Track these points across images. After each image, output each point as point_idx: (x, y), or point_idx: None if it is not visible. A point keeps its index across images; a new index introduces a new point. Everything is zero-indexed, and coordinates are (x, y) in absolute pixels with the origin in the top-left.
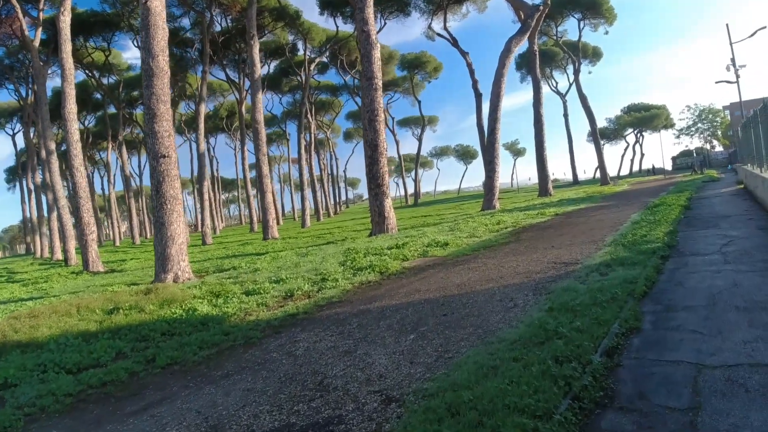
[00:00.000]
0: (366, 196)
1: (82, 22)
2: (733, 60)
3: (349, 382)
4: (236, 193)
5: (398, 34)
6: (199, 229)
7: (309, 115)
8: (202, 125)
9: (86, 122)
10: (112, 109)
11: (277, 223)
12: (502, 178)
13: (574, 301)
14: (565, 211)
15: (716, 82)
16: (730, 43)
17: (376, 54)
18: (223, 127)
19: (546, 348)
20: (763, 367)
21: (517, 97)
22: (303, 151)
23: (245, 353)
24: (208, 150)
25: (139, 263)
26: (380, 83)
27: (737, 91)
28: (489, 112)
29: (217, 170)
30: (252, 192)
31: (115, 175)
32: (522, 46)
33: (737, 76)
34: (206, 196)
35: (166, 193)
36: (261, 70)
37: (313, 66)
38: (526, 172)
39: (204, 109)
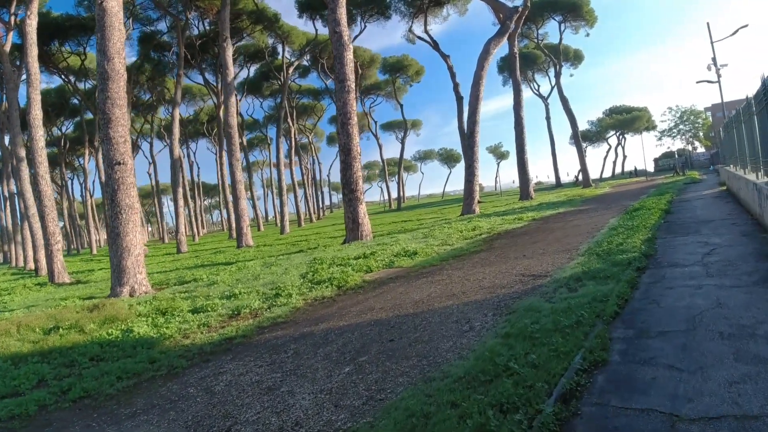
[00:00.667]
0: None
1: (57, 26)
2: (714, 59)
3: (258, 431)
4: (219, 199)
5: (381, 39)
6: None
7: (290, 120)
8: (176, 130)
9: (64, 128)
10: (90, 115)
11: (259, 229)
12: (486, 182)
13: (534, 325)
14: (543, 215)
15: (697, 82)
16: (711, 42)
17: (349, 56)
18: (204, 132)
19: (492, 389)
20: (752, 420)
21: (500, 101)
22: (282, 155)
23: (163, 387)
24: (188, 155)
25: (107, 273)
26: (353, 86)
27: (719, 90)
28: (468, 115)
29: (198, 176)
30: (232, 198)
31: (94, 181)
32: (502, 48)
33: (718, 76)
34: (181, 203)
35: (121, 201)
36: (241, 74)
37: (291, 69)
38: (509, 175)
39: (179, 113)
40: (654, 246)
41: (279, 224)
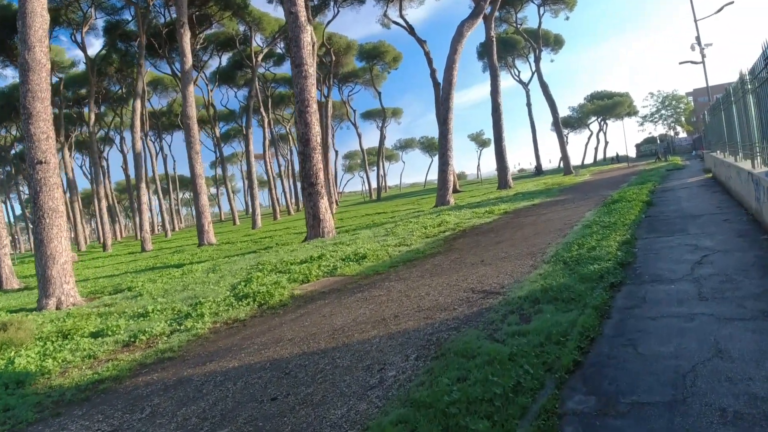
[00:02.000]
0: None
1: (15, 17)
2: (698, 38)
3: None
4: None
5: (362, 28)
6: (157, 230)
7: (263, 110)
8: (137, 123)
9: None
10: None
11: (234, 223)
12: (468, 170)
13: (455, 393)
14: (516, 207)
15: (680, 63)
16: (695, 20)
17: (306, 38)
18: (179, 124)
19: None
20: None
21: (482, 89)
22: (251, 147)
23: None
24: (162, 148)
25: None
26: (312, 70)
27: (703, 71)
28: (440, 101)
29: (174, 169)
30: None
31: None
32: (476, 31)
33: (703, 56)
34: (144, 199)
35: (44, 205)
36: (213, 63)
37: (261, 57)
38: (492, 163)
39: (140, 105)
40: (632, 250)
41: (252, 218)
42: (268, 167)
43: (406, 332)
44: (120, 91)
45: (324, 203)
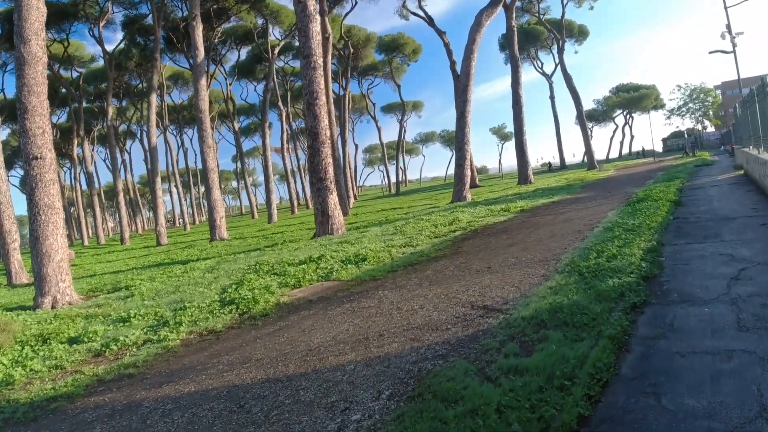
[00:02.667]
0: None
1: None
2: (728, 26)
3: None
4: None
5: (383, 22)
6: (177, 224)
7: (281, 103)
8: (152, 117)
9: (57, 118)
10: (85, 103)
11: (252, 217)
12: (490, 164)
13: None
14: (534, 205)
15: (710, 53)
16: (725, 7)
17: (315, 27)
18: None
19: None
20: None
21: (505, 82)
22: (268, 141)
23: None
24: (183, 142)
25: (78, 270)
26: (321, 61)
27: (734, 60)
28: (458, 93)
29: (195, 163)
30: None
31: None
32: (497, 21)
33: (734, 45)
34: (159, 194)
35: (39, 201)
36: (232, 57)
37: (277, 50)
38: (514, 157)
39: (155, 99)
40: (659, 259)
41: (268, 212)
42: (286, 161)
43: (386, 357)
44: (140, 85)
45: (333, 199)
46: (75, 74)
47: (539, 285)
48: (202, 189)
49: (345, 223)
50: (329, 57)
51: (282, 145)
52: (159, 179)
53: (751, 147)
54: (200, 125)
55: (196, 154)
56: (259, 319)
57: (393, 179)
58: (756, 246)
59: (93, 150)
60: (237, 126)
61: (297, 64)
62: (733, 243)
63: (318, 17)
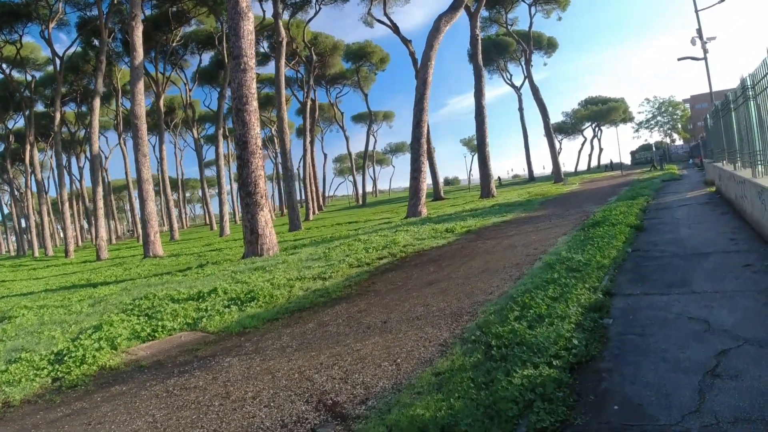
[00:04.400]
0: (341, 192)
1: None
2: (699, 31)
3: None
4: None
5: (355, 32)
6: (138, 233)
7: None
8: (95, 123)
9: (14, 123)
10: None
11: (211, 228)
12: (462, 174)
13: None
14: (483, 225)
15: (679, 59)
16: (696, 11)
17: (247, 26)
18: (165, 124)
19: None
20: None
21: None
22: (221, 150)
23: None
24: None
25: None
26: (252, 63)
27: (705, 67)
28: (415, 102)
29: (157, 170)
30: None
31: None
32: (465, 32)
33: (705, 51)
34: (100, 204)
35: None
36: (195, 62)
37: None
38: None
39: (98, 104)
40: (602, 323)
41: (220, 225)
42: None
43: None
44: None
45: (264, 216)
46: (31, 77)
47: (427, 364)
48: (177, 195)
49: (291, 238)
50: (282, 61)
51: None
52: (100, 188)
53: (724, 162)
54: (135, 132)
55: (158, 162)
56: (64, 391)
57: (368, 189)
58: (741, 304)
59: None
60: (197, 133)
61: (264, 71)
62: (708, 297)
63: (251, 15)
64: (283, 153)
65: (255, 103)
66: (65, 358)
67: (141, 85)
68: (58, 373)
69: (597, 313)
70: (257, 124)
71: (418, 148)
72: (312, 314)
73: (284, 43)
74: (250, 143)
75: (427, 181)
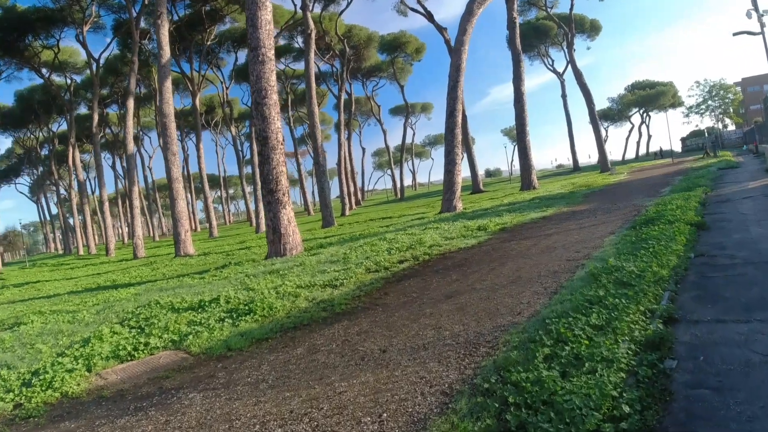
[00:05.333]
0: (379, 186)
1: (24, 19)
2: (755, 2)
3: None
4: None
5: (395, 26)
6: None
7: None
8: (130, 123)
9: (57, 126)
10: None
11: (251, 224)
12: (505, 166)
13: None
14: (520, 221)
15: (734, 34)
16: None
17: (265, 15)
18: (204, 123)
19: None
20: None
21: (527, 82)
22: (254, 146)
23: None
24: (186, 148)
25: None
26: (271, 54)
27: (763, 42)
28: (448, 90)
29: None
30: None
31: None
32: (493, 13)
33: (762, 25)
34: (136, 203)
35: None
36: (231, 61)
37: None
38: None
39: (132, 104)
40: (663, 373)
41: (255, 222)
42: (301, 166)
43: None
44: (140, 91)
45: (287, 214)
46: (70, 81)
47: (419, 427)
48: (216, 194)
49: (322, 235)
50: (311, 54)
51: (295, 148)
52: (136, 188)
53: None
54: (164, 131)
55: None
56: (17, 423)
57: (407, 182)
58: None
59: (73, 158)
60: (236, 131)
61: (299, 66)
62: None
63: (269, 4)
64: (314, 149)
65: (275, 96)
66: (35, 381)
67: (168, 83)
68: (23, 398)
69: (656, 353)
70: (278, 118)
71: (452, 139)
72: (306, 334)
73: (312, 34)
74: (270, 138)
75: (464, 173)
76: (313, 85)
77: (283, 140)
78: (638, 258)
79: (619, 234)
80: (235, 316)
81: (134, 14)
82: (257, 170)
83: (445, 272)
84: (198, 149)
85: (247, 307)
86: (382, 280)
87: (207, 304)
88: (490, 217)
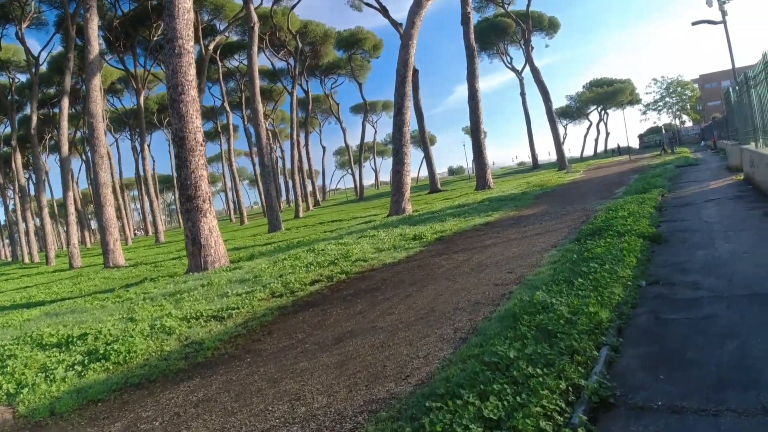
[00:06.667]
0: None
1: None
2: None
3: None
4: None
5: (358, 23)
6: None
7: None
8: (64, 123)
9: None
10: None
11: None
12: (467, 164)
13: None
14: (461, 228)
15: (693, 23)
16: None
17: (183, 3)
18: (157, 122)
19: None
20: None
21: (483, 82)
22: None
23: None
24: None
25: None
26: (189, 46)
27: (724, 32)
28: (396, 87)
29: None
30: (184, 195)
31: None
32: (453, 6)
33: (723, 13)
34: (71, 209)
35: None
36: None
37: (212, 46)
38: (490, 157)
39: (66, 104)
40: None
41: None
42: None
43: None
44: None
45: (208, 224)
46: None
47: None
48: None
49: (263, 242)
50: (254, 48)
51: (250, 148)
52: (71, 193)
53: (758, 143)
54: (92, 132)
55: (154, 161)
56: None
57: (369, 182)
58: None
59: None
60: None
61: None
62: None
63: None
64: (259, 149)
65: (193, 93)
66: None
67: (97, 81)
68: None
69: None
70: (197, 116)
71: (401, 137)
72: (143, 398)
73: (256, 28)
74: (188, 139)
75: (423, 172)
76: (257, 82)
77: (204, 141)
78: (574, 289)
79: (561, 248)
80: (87, 361)
81: (71, 9)
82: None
83: (353, 300)
84: (143, 149)
85: (106, 350)
86: (278, 311)
87: (74, 340)
88: (432, 223)
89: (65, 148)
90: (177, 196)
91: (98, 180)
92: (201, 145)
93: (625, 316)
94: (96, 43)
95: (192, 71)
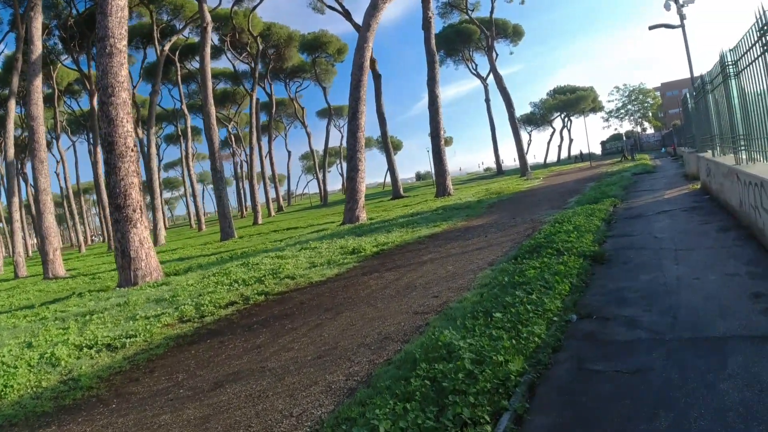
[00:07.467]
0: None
1: None
2: None
3: None
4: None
5: (323, 27)
6: (91, 241)
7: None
8: (10, 126)
9: None
10: None
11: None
12: (428, 169)
13: None
14: (402, 241)
15: (650, 28)
16: None
17: (116, 1)
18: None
19: None
20: None
21: (453, 89)
22: (153, 150)
23: None
24: (96, 152)
25: None
26: (121, 45)
27: (682, 36)
28: (350, 91)
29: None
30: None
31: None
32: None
33: (681, 17)
34: (16, 216)
35: None
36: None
37: (167, 47)
38: (457, 162)
39: (13, 106)
40: None
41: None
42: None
43: None
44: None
45: (138, 234)
46: None
47: None
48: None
49: (210, 252)
50: (207, 50)
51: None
52: (16, 199)
53: (715, 152)
54: (32, 135)
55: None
56: None
57: (331, 187)
58: None
59: None
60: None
61: (217, 65)
62: None
63: None
64: (211, 153)
65: (124, 95)
66: None
67: (38, 82)
68: None
69: None
70: (128, 120)
71: (354, 143)
72: None
73: (209, 28)
74: (117, 144)
75: (406, 174)
76: (209, 84)
77: (135, 147)
78: (490, 327)
79: (496, 268)
80: None
81: (21, 9)
82: (155, 176)
83: (258, 329)
84: (96, 153)
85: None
86: (174, 341)
87: None
88: (378, 234)
89: (11, 151)
90: (106, 204)
91: (38, 186)
92: (132, 150)
93: (542, 366)
94: (39, 43)
95: (124, 72)
